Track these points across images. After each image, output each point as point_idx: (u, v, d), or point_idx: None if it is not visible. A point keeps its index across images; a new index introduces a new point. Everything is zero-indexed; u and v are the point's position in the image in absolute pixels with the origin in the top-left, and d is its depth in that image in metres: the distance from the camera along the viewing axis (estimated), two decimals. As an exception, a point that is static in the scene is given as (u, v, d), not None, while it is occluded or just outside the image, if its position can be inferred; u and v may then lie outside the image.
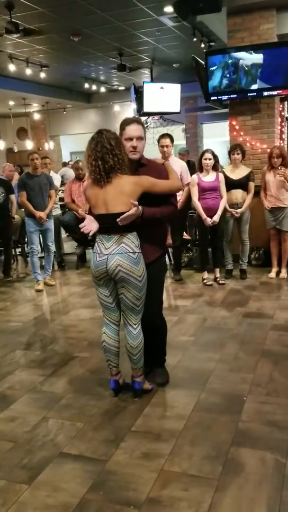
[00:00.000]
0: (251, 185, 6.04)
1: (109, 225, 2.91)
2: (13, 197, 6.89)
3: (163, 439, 2.73)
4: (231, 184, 5.98)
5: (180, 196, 5.85)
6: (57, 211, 7.45)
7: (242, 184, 6.02)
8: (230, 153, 6.16)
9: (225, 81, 6.69)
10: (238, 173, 6.07)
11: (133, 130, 2.98)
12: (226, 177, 5.99)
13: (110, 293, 3.06)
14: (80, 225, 3.01)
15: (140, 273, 2.94)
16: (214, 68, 6.70)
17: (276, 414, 2.93)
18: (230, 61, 6.57)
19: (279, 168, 5.82)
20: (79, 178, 7.09)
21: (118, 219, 2.83)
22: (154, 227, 3.12)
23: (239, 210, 5.99)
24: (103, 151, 2.84)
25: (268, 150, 6.35)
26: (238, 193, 6.01)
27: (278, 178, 5.83)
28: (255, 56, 6.45)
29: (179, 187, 3.19)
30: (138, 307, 3.03)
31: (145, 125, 3.21)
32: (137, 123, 3.02)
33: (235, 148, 6.12)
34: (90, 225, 2.98)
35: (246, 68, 6.50)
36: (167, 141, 5.76)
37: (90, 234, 2.99)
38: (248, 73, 6.51)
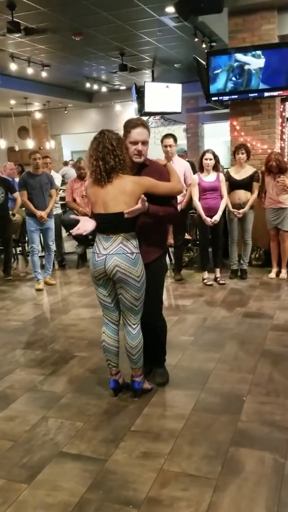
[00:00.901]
0: (255, 185, 6.02)
1: (107, 225, 2.92)
2: (16, 194, 6.89)
3: (162, 439, 2.74)
4: (234, 184, 5.98)
5: (183, 197, 5.89)
6: (58, 210, 7.46)
7: (245, 184, 6.01)
8: (235, 153, 6.14)
9: (230, 84, 6.68)
10: (243, 173, 6.05)
11: (138, 133, 2.97)
12: (230, 177, 5.99)
13: (109, 293, 3.07)
14: (72, 230, 3.04)
15: (138, 273, 2.94)
16: (218, 71, 6.69)
17: (275, 414, 2.94)
18: (235, 64, 6.57)
19: (278, 176, 5.83)
20: (81, 177, 7.09)
21: (125, 211, 2.83)
22: (154, 228, 3.12)
23: (241, 211, 5.99)
24: (104, 152, 2.85)
25: (269, 151, 6.35)
26: (241, 193, 6.00)
27: (278, 185, 5.85)
28: (257, 57, 6.46)
29: (180, 189, 3.18)
30: (137, 307, 3.04)
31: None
32: (143, 127, 3.00)
33: (239, 147, 6.08)
34: (83, 226, 3.01)
35: (254, 71, 6.50)
36: (170, 141, 5.80)
37: (84, 233, 3.03)
38: (253, 75, 6.52)
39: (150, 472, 2.45)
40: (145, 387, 3.24)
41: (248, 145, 6.68)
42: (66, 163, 14.03)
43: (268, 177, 5.97)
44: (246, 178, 6.02)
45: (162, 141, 5.89)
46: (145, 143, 3.01)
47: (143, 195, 2.84)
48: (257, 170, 6.13)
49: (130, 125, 3.01)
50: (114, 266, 2.90)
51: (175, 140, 5.89)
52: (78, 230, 3.01)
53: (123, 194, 2.87)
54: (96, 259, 2.97)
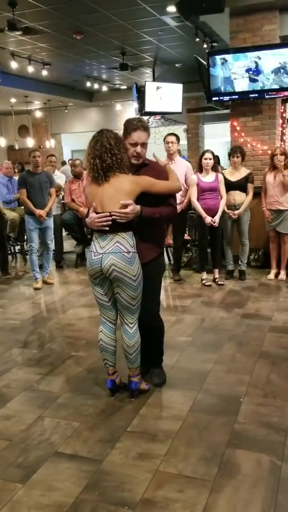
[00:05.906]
0: (250, 186, 6.05)
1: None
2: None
3: (159, 440, 2.72)
4: (229, 186, 6.00)
5: (183, 197, 5.94)
6: (59, 211, 7.45)
7: (240, 185, 6.03)
8: (230, 155, 6.18)
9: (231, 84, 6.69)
10: (237, 175, 6.08)
11: (138, 137, 3.00)
12: (225, 179, 6.00)
13: (106, 292, 3.06)
14: (97, 218, 2.95)
15: (134, 272, 2.93)
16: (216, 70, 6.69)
17: (272, 416, 2.93)
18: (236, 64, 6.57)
19: (284, 170, 5.81)
20: (75, 176, 7.11)
21: (111, 212, 2.84)
22: (152, 227, 3.11)
23: (236, 212, 5.99)
24: (101, 150, 2.85)
25: (269, 152, 6.35)
26: (236, 195, 6.02)
27: (279, 179, 5.83)
28: (258, 57, 6.46)
29: (178, 187, 3.19)
30: (134, 306, 3.03)
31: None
32: (143, 129, 3.02)
33: (235, 151, 6.14)
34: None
35: (255, 72, 6.50)
36: (172, 138, 6.00)
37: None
38: (254, 75, 6.51)
39: (146, 473, 2.44)
40: (142, 388, 3.23)
41: (249, 145, 6.69)
42: (64, 163, 13.99)
43: (270, 175, 5.96)
44: (241, 180, 6.05)
45: (164, 139, 6.05)
46: (144, 145, 3.05)
47: (124, 202, 2.84)
48: (252, 172, 6.16)
49: (131, 126, 3.02)
50: (110, 265, 2.89)
51: (178, 139, 6.05)
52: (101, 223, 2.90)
53: (121, 193, 2.86)
54: (92, 257, 2.96)
